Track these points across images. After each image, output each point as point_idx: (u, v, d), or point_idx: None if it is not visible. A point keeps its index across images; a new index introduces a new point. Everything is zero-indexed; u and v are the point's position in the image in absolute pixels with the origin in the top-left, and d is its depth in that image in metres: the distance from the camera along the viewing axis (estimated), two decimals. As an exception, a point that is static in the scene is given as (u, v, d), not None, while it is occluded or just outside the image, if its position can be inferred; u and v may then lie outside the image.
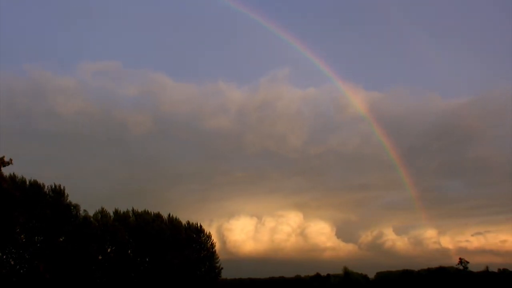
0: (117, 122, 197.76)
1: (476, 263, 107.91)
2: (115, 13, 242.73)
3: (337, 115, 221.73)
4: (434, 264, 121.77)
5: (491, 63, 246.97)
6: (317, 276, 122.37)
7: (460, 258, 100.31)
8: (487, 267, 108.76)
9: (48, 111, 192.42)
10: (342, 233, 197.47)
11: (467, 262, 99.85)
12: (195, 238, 79.56)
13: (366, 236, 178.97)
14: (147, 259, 70.83)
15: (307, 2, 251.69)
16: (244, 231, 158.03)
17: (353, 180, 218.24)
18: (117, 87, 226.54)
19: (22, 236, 55.90)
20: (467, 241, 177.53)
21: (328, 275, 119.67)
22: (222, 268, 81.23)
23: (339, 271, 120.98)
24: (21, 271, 55.22)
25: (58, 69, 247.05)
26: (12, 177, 56.10)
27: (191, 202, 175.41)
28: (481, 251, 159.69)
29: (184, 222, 79.99)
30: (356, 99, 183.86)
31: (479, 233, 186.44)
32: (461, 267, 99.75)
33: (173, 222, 77.71)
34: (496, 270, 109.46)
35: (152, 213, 75.87)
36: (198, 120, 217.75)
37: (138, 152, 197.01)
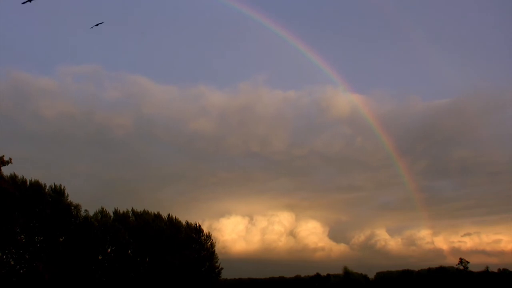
0: (100, 124, 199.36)
1: (470, 264, 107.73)
2: (96, 15, 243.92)
3: (319, 117, 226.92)
4: (428, 264, 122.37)
5: (470, 64, 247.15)
6: (317, 276, 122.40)
7: (460, 258, 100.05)
8: (487, 267, 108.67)
9: (31, 113, 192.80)
10: (335, 233, 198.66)
11: (468, 262, 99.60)
12: (194, 238, 79.54)
13: (359, 237, 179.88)
14: (147, 259, 70.85)
15: (291, 3, 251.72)
16: (235, 231, 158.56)
17: (341, 181, 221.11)
18: (99, 89, 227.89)
19: (22, 236, 55.93)
20: (460, 241, 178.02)
21: (328, 275, 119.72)
22: (222, 268, 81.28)
23: (331, 271, 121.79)
24: (21, 271, 55.25)
25: (38, 72, 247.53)
26: (13, 177, 56.21)
27: (181, 202, 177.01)
28: (475, 251, 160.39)
29: (183, 222, 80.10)
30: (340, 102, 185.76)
31: (473, 233, 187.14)
32: (461, 267, 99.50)
33: (173, 222, 77.72)
34: (495, 270, 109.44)
35: (152, 213, 75.91)
36: (180, 122, 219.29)
37: (123, 154, 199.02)
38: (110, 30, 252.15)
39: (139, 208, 75.51)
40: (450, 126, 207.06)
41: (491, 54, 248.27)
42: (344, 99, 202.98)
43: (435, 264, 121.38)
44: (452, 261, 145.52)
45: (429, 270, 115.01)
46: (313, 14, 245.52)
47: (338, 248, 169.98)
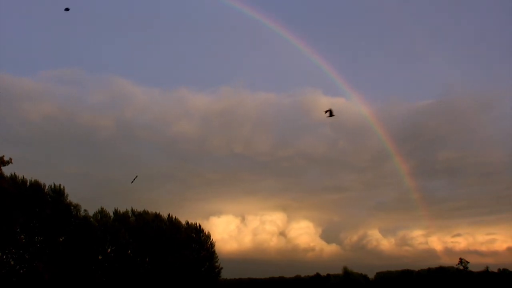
0: (84, 126, 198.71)
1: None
2: (78, 18, 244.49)
3: (302, 119, 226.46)
4: (422, 265, 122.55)
5: (449, 65, 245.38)
6: (317, 276, 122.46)
7: (460, 258, 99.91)
8: (487, 267, 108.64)
9: (15, 116, 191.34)
10: (327, 234, 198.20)
11: (468, 262, 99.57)
12: (194, 238, 79.52)
13: (351, 237, 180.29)
14: (147, 259, 70.83)
15: (274, 4, 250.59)
16: (226, 231, 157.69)
17: (331, 182, 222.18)
18: (83, 92, 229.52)
19: (22, 236, 55.91)
20: (454, 241, 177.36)
21: (328, 275, 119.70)
22: (222, 268, 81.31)
23: (323, 272, 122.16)
24: (21, 271, 55.23)
25: (23, 76, 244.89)
26: (13, 177, 56.13)
27: (171, 202, 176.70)
28: (469, 252, 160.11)
29: (183, 222, 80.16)
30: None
31: (467, 234, 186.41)
32: (461, 267, 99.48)
33: (173, 222, 77.72)
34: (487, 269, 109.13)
35: (152, 213, 75.89)
36: (164, 125, 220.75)
37: (109, 156, 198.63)
38: (93, 33, 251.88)
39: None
40: (437, 127, 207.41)
41: (477, 54, 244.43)
42: (326, 102, 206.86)
43: (429, 264, 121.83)
44: (446, 261, 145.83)
45: (429, 270, 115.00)
46: (295, 16, 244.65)
47: (330, 249, 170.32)
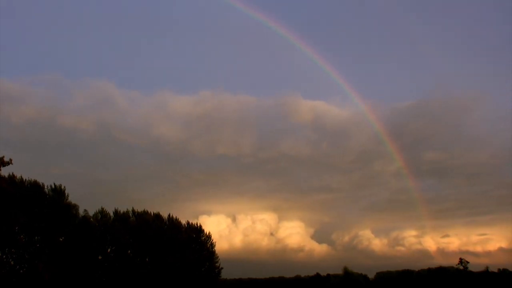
0: (67, 129, 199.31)
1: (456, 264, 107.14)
2: (58, 21, 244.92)
3: (284, 122, 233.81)
4: (415, 265, 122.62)
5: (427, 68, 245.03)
6: (317, 276, 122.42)
7: (460, 258, 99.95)
8: (487, 267, 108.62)
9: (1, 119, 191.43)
10: (319, 235, 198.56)
11: (467, 262, 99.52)
12: (195, 238, 79.44)
13: (343, 238, 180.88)
14: (147, 259, 70.74)
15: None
16: (216, 231, 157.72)
17: (320, 183, 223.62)
18: (65, 96, 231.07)
19: (22, 236, 55.78)
20: (447, 242, 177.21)
21: (328, 275, 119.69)
22: (222, 268, 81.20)
23: (314, 273, 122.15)
24: (21, 271, 55.11)
25: (6, 80, 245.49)
26: (11, 177, 55.97)
27: (160, 203, 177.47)
28: (463, 252, 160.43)
29: (183, 222, 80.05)
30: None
31: (460, 234, 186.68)
32: (461, 267, 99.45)
33: (173, 222, 77.63)
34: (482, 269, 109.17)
35: (152, 213, 75.83)
36: (147, 127, 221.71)
37: (95, 157, 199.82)
38: (73, 35, 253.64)
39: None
40: (414, 128, 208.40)
41: (462, 54, 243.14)
42: (306, 105, 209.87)
43: (422, 265, 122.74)
44: (440, 262, 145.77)
45: (429, 270, 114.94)
46: (277, 18, 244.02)
47: (321, 249, 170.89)
